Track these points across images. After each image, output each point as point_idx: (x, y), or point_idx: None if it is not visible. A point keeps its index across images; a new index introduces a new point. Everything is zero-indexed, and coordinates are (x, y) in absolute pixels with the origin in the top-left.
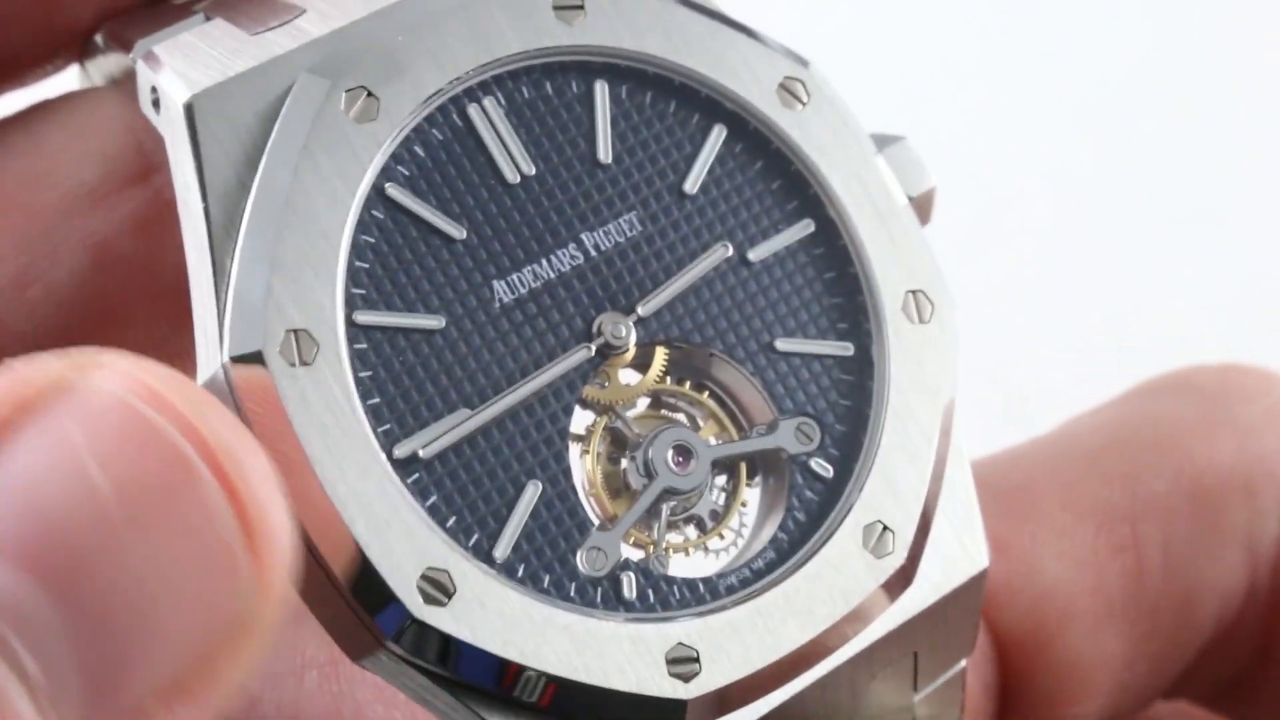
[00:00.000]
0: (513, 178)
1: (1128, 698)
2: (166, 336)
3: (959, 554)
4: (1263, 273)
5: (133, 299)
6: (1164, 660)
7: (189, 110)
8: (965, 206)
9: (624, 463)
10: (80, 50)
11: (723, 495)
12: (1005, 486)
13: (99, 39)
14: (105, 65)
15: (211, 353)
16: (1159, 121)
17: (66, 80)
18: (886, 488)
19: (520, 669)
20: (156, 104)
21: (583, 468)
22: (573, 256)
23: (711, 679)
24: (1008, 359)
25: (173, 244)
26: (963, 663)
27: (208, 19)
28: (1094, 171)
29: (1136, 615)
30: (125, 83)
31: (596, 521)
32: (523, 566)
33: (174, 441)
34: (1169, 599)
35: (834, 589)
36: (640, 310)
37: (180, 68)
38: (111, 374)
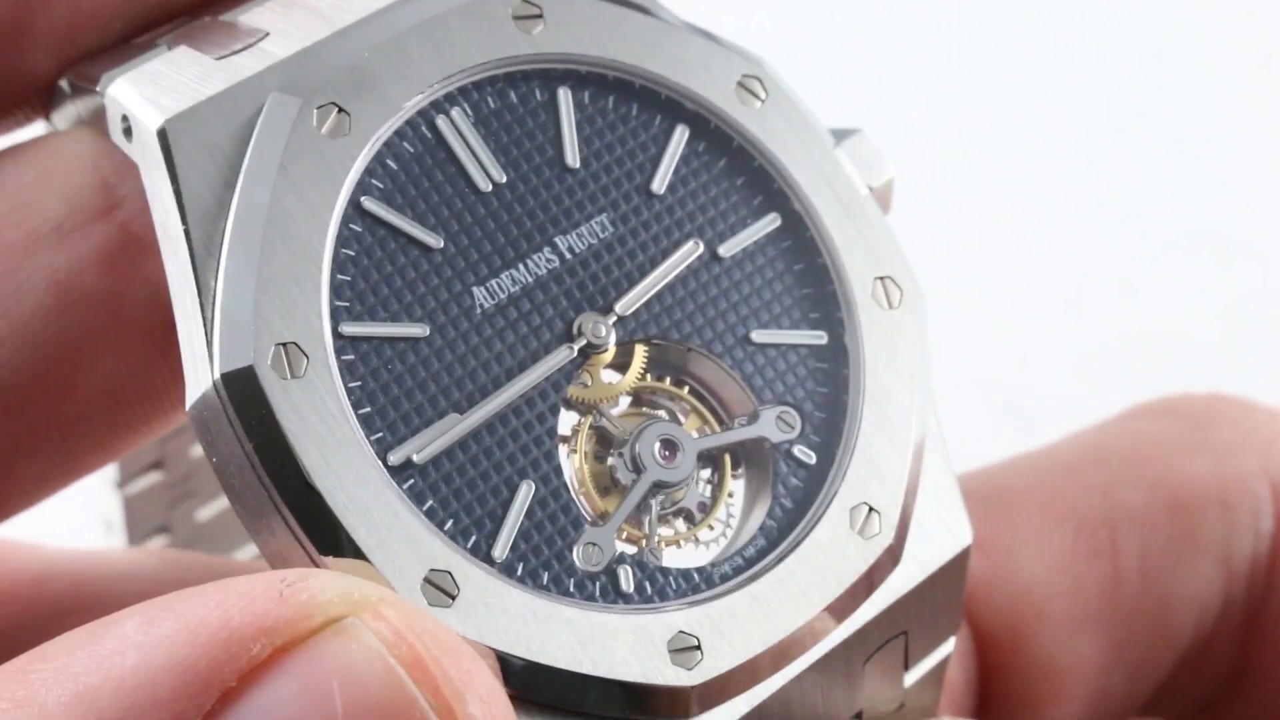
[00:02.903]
0: (485, 186)
1: (1104, 707)
2: (134, 374)
3: (942, 532)
4: (1265, 282)
5: (98, 336)
6: (1141, 670)
7: (163, 136)
8: (967, 215)
9: (611, 460)
10: (45, 104)
11: (709, 488)
12: (985, 492)
13: (64, 84)
14: (71, 112)
15: (201, 371)
16: (1163, 128)
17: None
18: (869, 470)
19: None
20: (128, 132)
21: (571, 467)
22: (548, 260)
23: (713, 665)
24: (1011, 369)
25: (139, 279)
26: (951, 641)
27: (170, 49)
28: (1097, 180)
29: (1113, 621)
30: (91, 123)
31: (589, 519)
32: (522, 565)
33: None
34: (1145, 607)
35: (826, 571)
36: (618, 310)
37: (151, 95)
38: (384, 628)
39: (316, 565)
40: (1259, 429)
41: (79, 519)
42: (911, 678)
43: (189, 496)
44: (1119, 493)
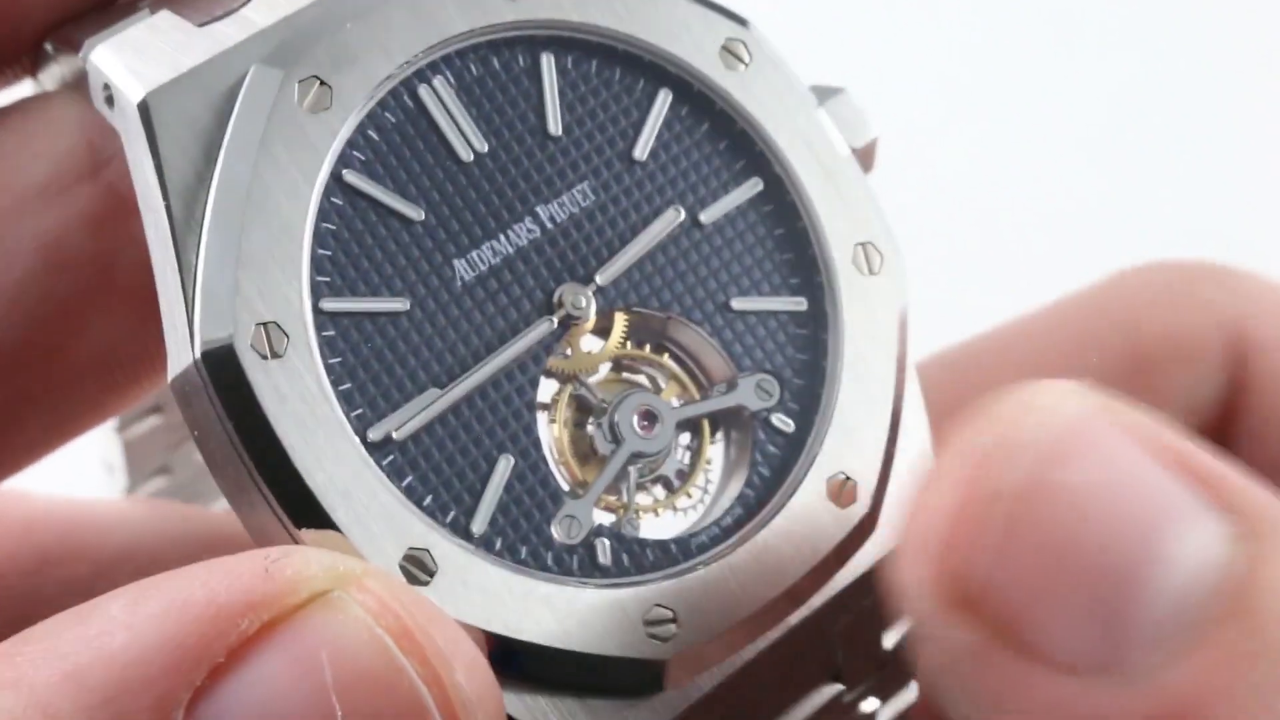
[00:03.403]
0: (466, 156)
1: None
2: (124, 336)
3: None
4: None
5: (87, 300)
6: None
7: (144, 109)
8: (966, 213)
9: (590, 429)
10: (33, 64)
11: (688, 455)
12: (957, 357)
13: (49, 47)
14: (57, 72)
15: (182, 349)
16: (1162, 127)
17: (22, 92)
18: (847, 438)
19: None
20: (110, 100)
21: (550, 436)
22: (529, 230)
23: (688, 637)
24: None
25: (127, 240)
26: None
27: (153, 12)
28: (1097, 179)
29: None
30: (76, 84)
31: (567, 489)
32: (500, 540)
33: (417, 693)
34: None
35: (802, 541)
36: (598, 279)
37: (132, 64)
38: (370, 600)
39: (296, 542)
40: (1235, 288)
41: (80, 463)
42: (891, 640)
43: (189, 439)
44: (1085, 354)
